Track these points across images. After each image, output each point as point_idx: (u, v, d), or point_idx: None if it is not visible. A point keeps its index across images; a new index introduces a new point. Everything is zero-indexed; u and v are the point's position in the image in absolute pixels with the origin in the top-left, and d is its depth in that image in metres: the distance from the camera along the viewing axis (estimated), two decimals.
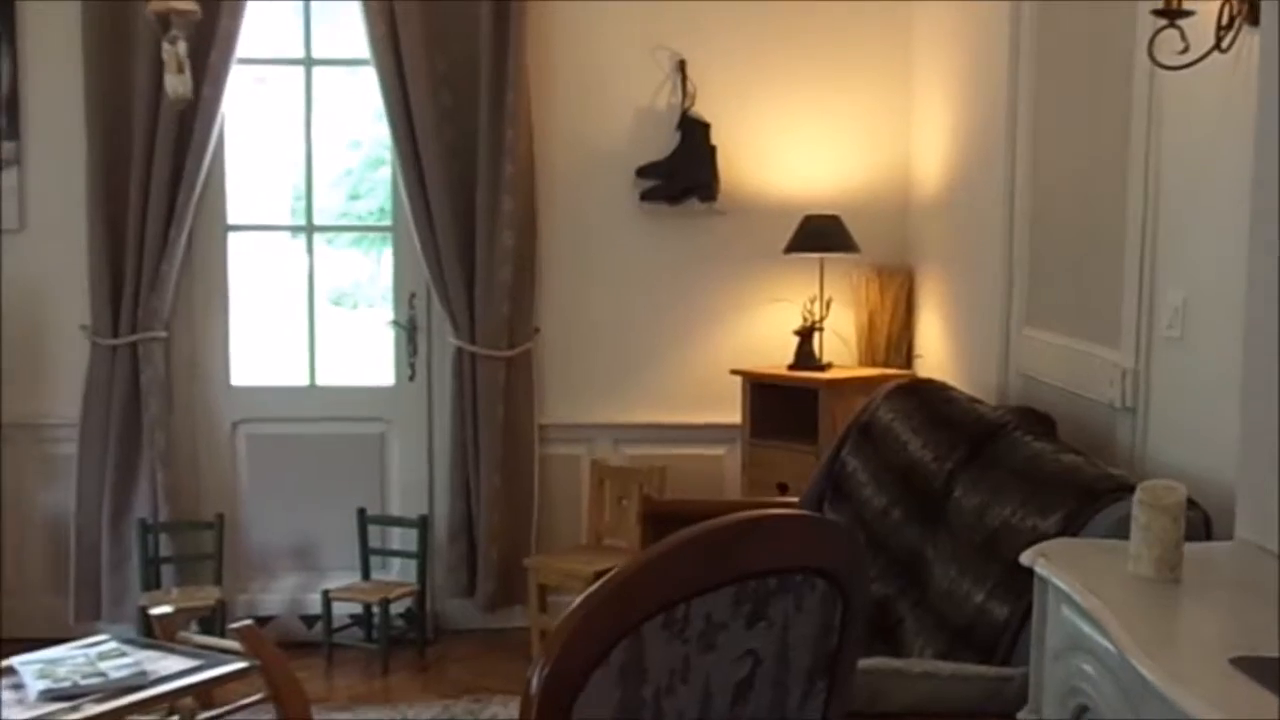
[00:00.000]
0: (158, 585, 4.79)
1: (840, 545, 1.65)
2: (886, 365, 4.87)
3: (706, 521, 1.50)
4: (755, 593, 1.52)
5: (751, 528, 1.53)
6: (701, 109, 4.96)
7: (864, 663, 2.32)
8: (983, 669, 2.33)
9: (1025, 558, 2.04)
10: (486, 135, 4.80)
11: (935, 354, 4.77)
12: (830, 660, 1.63)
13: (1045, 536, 2.48)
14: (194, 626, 4.75)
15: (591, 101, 5.01)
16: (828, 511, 3.82)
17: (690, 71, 4.96)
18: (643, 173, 4.96)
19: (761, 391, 4.78)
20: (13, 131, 4.90)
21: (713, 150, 4.94)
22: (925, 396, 3.73)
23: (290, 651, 4.77)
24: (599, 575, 4.58)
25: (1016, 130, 3.91)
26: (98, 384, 4.84)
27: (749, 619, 1.52)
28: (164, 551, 4.83)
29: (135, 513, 4.83)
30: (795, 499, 4.13)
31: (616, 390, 5.09)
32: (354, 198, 5.29)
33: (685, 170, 4.94)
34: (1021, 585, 2.27)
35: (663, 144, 4.96)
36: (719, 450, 5.07)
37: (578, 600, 1.39)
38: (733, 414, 4.85)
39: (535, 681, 1.34)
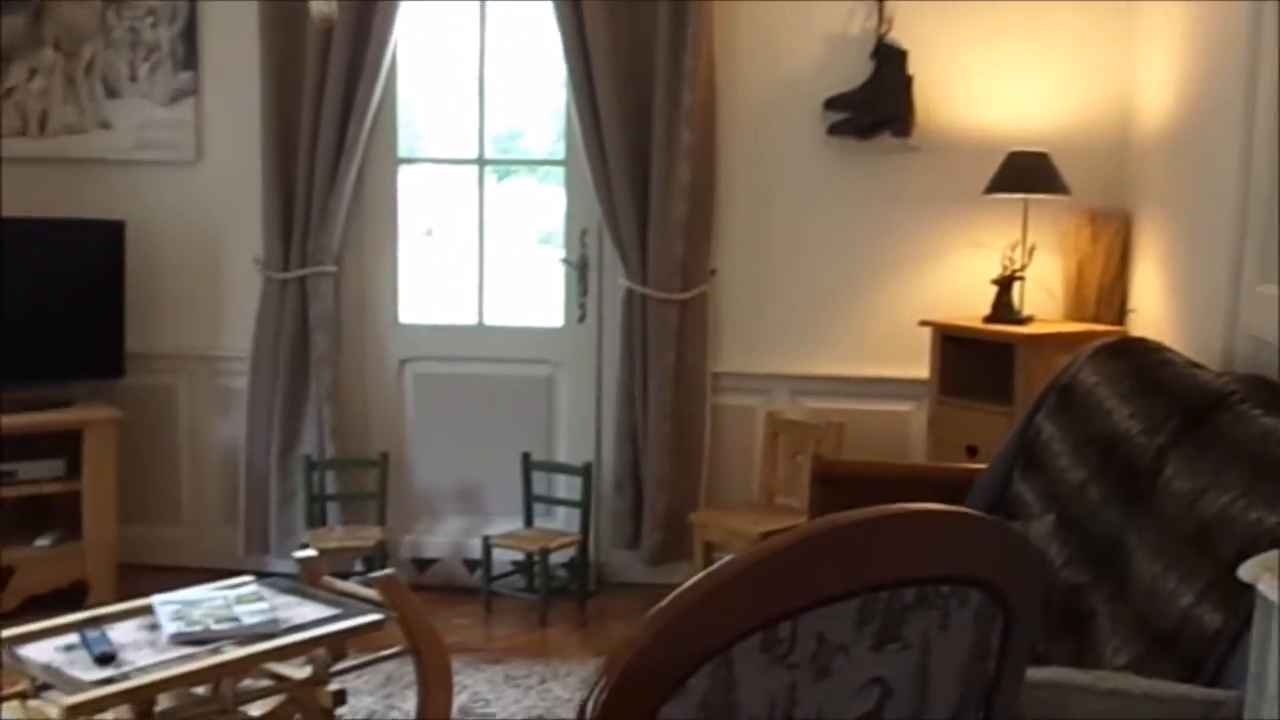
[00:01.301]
0: (323, 522, 4.74)
1: (1003, 549, 1.32)
2: (1095, 321, 4.40)
3: (827, 516, 1.20)
4: (886, 607, 1.22)
5: (884, 526, 1.22)
6: (899, 35, 4.55)
7: (1041, 673, 1.98)
8: (1186, 689, 1.96)
9: (1245, 572, 1.67)
10: (665, 62, 4.51)
11: (1151, 310, 4.28)
12: (985, 692, 1.31)
13: (1273, 535, 2.08)
14: (358, 565, 4.72)
15: (778, 27, 4.65)
16: (1017, 482, 3.43)
17: None
18: (831, 104, 4.59)
19: (953, 345, 4.38)
20: (190, 62, 4.86)
21: (909, 80, 4.53)
22: (1136, 358, 3.28)
23: (450, 597, 4.72)
24: (766, 536, 4.33)
25: (1259, 57, 3.38)
26: (268, 318, 4.79)
27: (877, 640, 1.22)
28: (329, 489, 4.77)
29: (302, 449, 4.78)
30: (983, 465, 3.74)
31: (796, 339, 4.77)
32: (525, 136, 5.07)
33: (878, 102, 4.55)
34: (1240, 589, 1.89)
35: (854, 73, 4.57)
36: (904, 407, 4.70)
37: (651, 612, 1.12)
38: (920, 368, 4.47)
39: (591, 710, 1.07)
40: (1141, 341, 3.52)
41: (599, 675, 1.08)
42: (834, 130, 4.60)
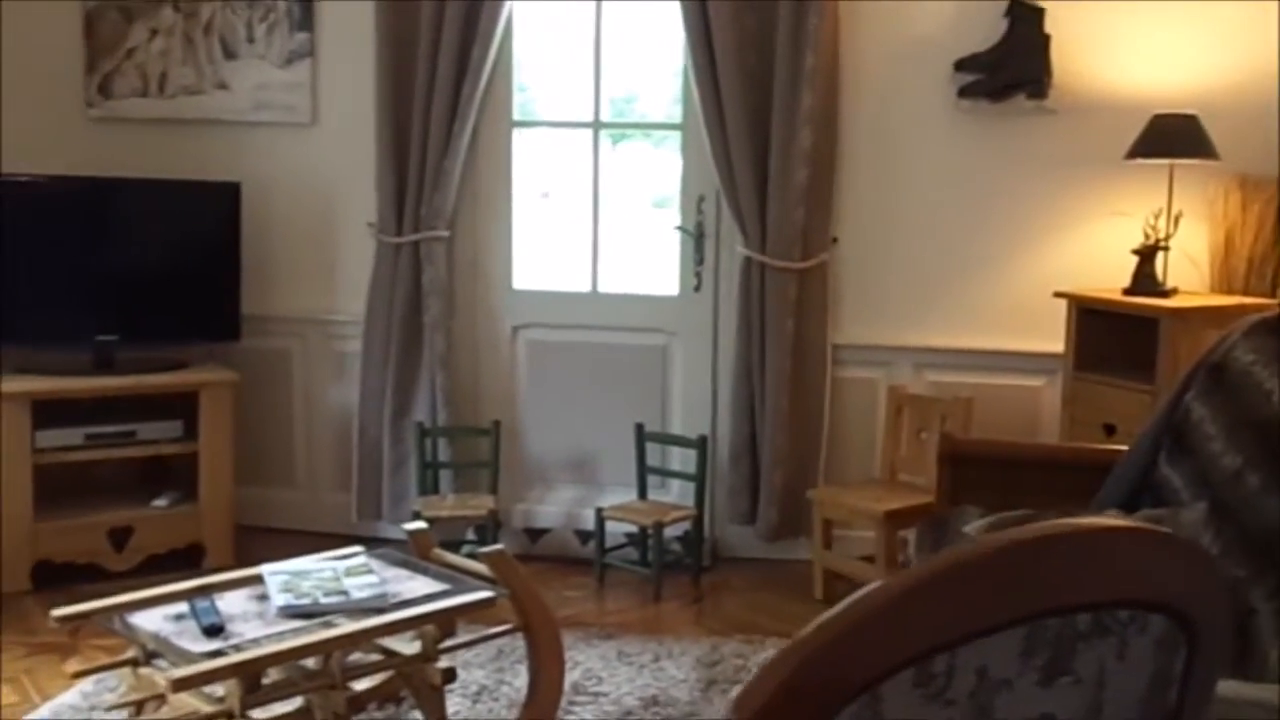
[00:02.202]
0: (435, 490, 4.70)
1: (1187, 569, 1.17)
2: (1245, 294, 4.14)
3: (988, 537, 1.06)
4: (1056, 636, 1.08)
5: (1054, 545, 1.08)
6: None
7: None
8: None
9: None
10: (787, 21, 4.34)
11: None
12: None
13: None
14: (469, 534, 4.67)
15: None
16: (1163, 466, 3.22)
17: None
18: (962, 65, 4.37)
19: (1090, 318, 4.16)
20: (306, 23, 4.81)
21: (1046, 39, 4.29)
22: None
23: (562, 568, 4.65)
24: (890, 516, 4.17)
25: None
26: (382, 282, 4.74)
27: (1045, 673, 1.08)
28: (441, 456, 4.72)
29: (414, 415, 4.74)
30: (1119, 446, 3.53)
31: (921, 309, 4.58)
32: (640, 99, 4.93)
33: (1012, 62, 4.32)
34: None
35: (987, 32, 4.35)
36: (1036, 382, 4.49)
37: (785, 646, 0.99)
38: (1054, 342, 4.26)
39: None
40: None
41: (731, 711, 0.96)
42: (965, 92, 4.39)
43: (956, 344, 4.54)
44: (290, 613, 2.88)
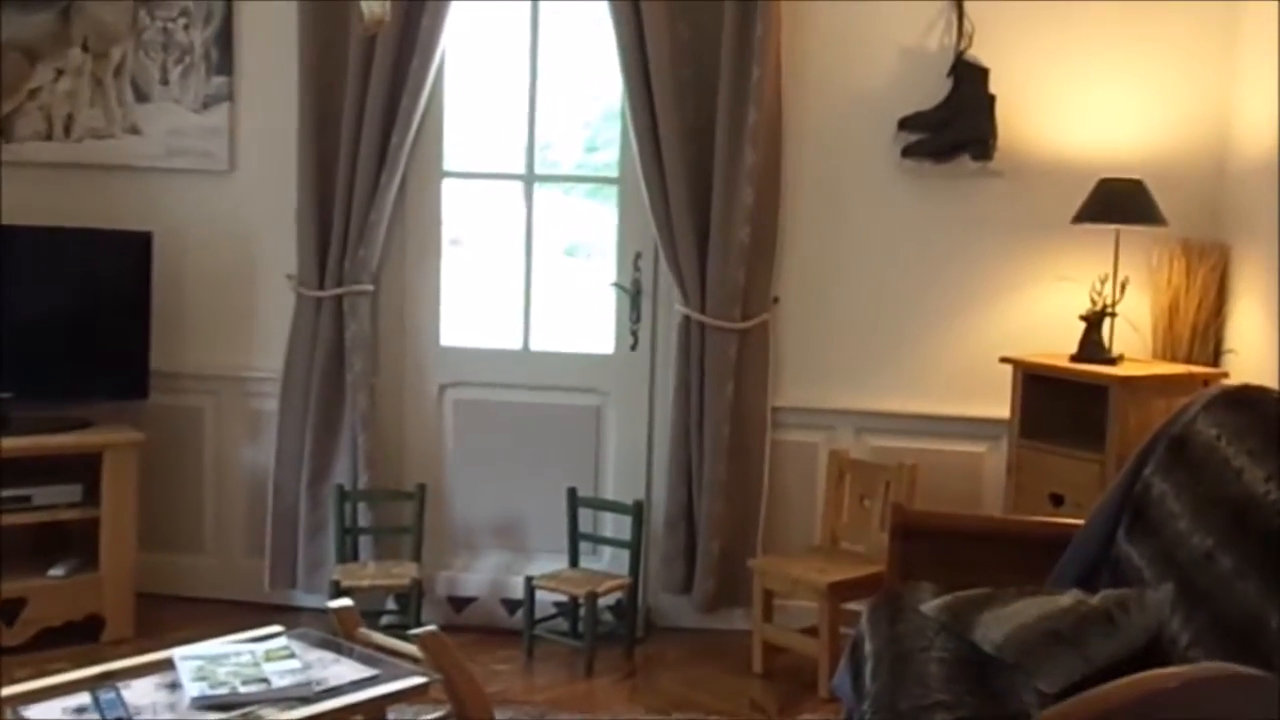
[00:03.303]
0: (355, 557, 4.46)
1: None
2: (1189, 361, 4.09)
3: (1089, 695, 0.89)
4: None
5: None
6: (979, 51, 4.26)
7: None
8: None
9: None
10: (729, 74, 4.23)
11: (1252, 350, 3.97)
12: None
13: None
14: (390, 603, 4.44)
15: (851, 39, 4.36)
16: (1123, 542, 3.12)
17: (968, 7, 4.25)
18: (906, 124, 4.29)
19: (1036, 384, 4.07)
20: (225, 66, 4.59)
21: (991, 99, 4.23)
22: (1261, 409, 2.97)
23: (488, 640, 4.43)
24: (834, 587, 4.01)
25: None
26: (302, 338, 4.52)
27: None
28: (361, 521, 4.48)
29: (334, 478, 4.50)
30: (1074, 520, 3.42)
31: (863, 372, 4.47)
32: (590, 149, 4.79)
33: (957, 122, 4.25)
34: None
35: (931, 91, 4.28)
36: (978, 448, 4.40)
37: None
38: (999, 408, 4.17)
39: None
40: (1263, 391, 3.20)
41: None
42: (909, 152, 4.31)
43: (899, 408, 4.43)
44: (205, 704, 2.65)
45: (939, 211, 4.36)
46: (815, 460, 4.48)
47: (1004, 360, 4.13)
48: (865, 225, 4.42)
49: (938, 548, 3.40)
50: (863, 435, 4.47)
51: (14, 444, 4.14)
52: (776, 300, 4.44)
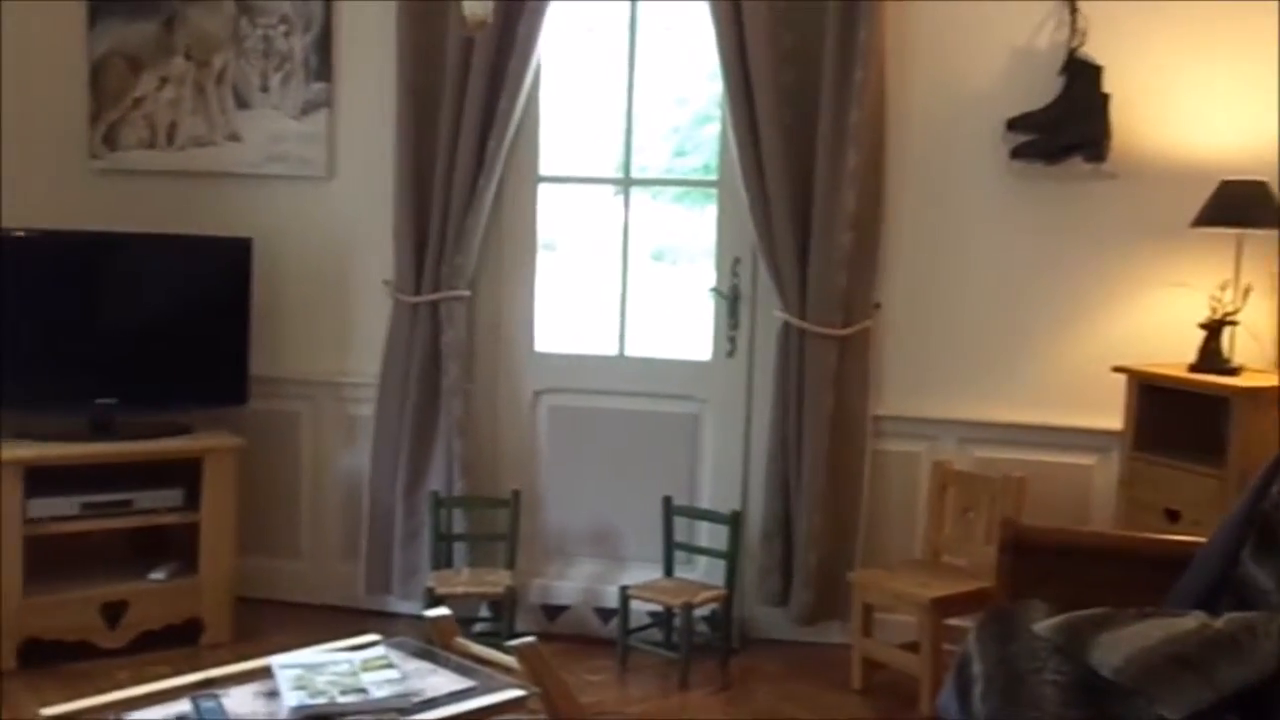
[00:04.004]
0: (449, 563, 4.43)
1: None
2: None
3: None
4: None
5: None
6: (1093, 49, 4.11)
7: None
8: None
9: None
10: (831, 76, 4.14)
11: None
12: None
13: None
14: (484, 610, 4.42)
15: (958, 38, 4.24)
16: (1248, 562, 2.97)
17: (1081, 4, 4.11)
18: (1016, 125, 4.16)
19: (1152, 395, 3.92)
20: (323, 73, 4.61)
21: (1104, 99, 4.08)
22: None
23: (582, 649, 4.39)
24: (937, 603, 3.89)
25: None
26: (398, 343, 4.51)
27: None
28: (456, 527, 4.46)
29: (429, 484, 4.48)
30: (1194, 537, 3.27)
31: (968, 380, 4.34)
32: (679, 154, 4.73)
33: (1069, 123, 4.11)
34: None
35: (1042, 91, 4.14)
36: (1088, 460, 4.25)
37: None
38: (1110, 419, 4.03)
39: None
40: None
41: None
42: (1018, 153, 4.18)
43: (1005, 418, 4.29)
44: (304, 713, 2.62)
45: (1049, 215, 4.23)
46: (917, 471, 4.36)
47: (1117, 369, 3.98)
48: (971, 229, 4.30)
49: (1049, 564, 3.27)
50: (966, 445, 4.34)
51: (117, 449, 4.19)
52: (879, 306, 4.34)
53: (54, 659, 4.03)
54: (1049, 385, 4.27)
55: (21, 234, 4.23)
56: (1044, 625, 2.91)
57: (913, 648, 3.97)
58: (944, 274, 4.33)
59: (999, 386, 4.32)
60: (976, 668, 2.89)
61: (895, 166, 4.28)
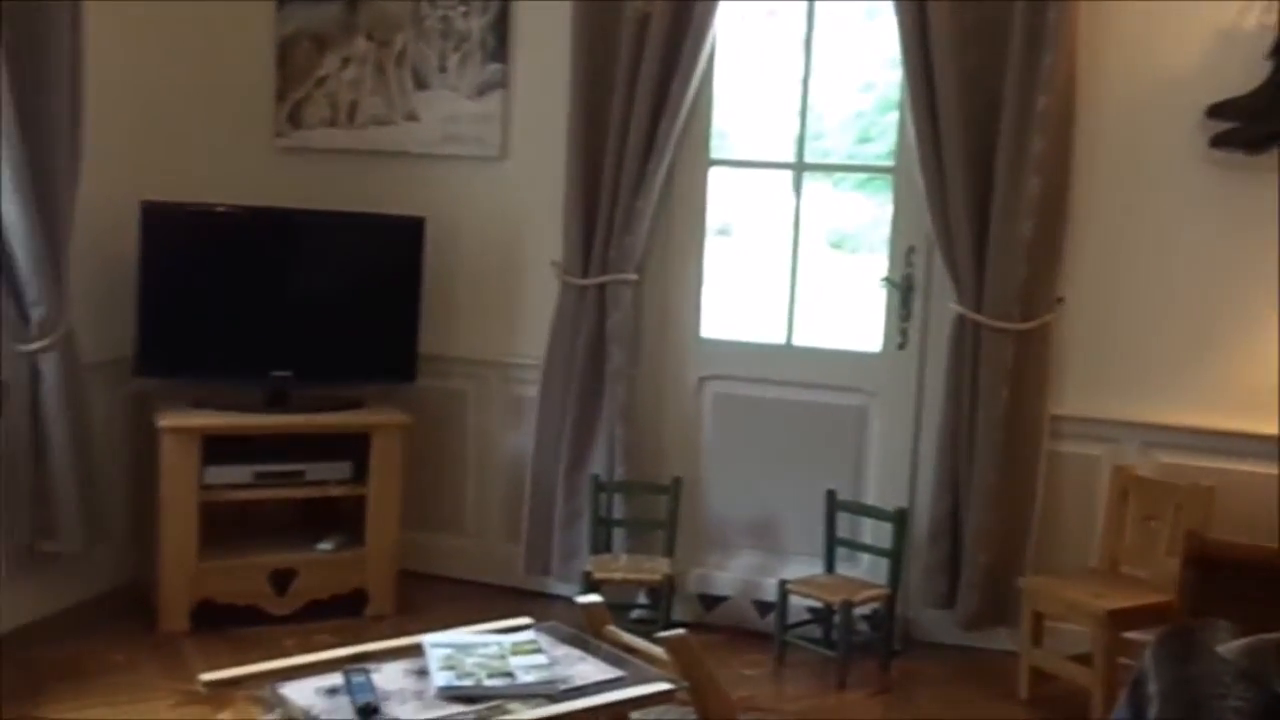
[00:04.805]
0: (608, 548, 4.42)
1: None
2: None
3: None
4: None
5: None
6: None
7: None
8: None
9: None
10: (1018, 59, 3.95)
11: None
12: None
13: None
14: (641, 597, 4.39)
15: (1155, 19, 4.01)
16: None
17: None
18: (1216, 111, 3.91)
19: None
20: (500, 54, 4.62)
21: None
22: None
23: (739, 641, 4.33)
24: (1114, 615, 3.69)
25: None
26: (564, 326, 4.50)
27: None
28: (616, 513, 4.44)
29: (591, 467, 4.47)
30: None
31: (1154, 382, 4.11)
32: (863, 140, 4.60)
33: (1275, 110, 3.83)
34: None
35: (1246, 76, 3.87)
36: None
37: None
38: None
39: None
40: None
41: None
42: (1218, 141, 3.92)
43: (1193, 422, 4.05)
44: (451, 694, 2.63)
45: (1250, 208, 3.95)
46: (1096, 475, 4.15)
47: None
48: (1164, 220, 4.06)
49: (1236, 581, 3.07)
50: (1150, 450, 4.11)
51: (290, 421, 4.30)
52: (1061, 300, 4.14)
53: (225, 623, 4.17)
54: (1241, 389, 4.00)
55: (209, 208, 4.37)
56: (1229, 647, 2.72)
57: (1084, 660, 3.79)
58: (1132, 268, 4.11)
59: (1187, 389, 4.07)
60: (1153, 687, 2.72)
61: (1083, 153, 4.08)
